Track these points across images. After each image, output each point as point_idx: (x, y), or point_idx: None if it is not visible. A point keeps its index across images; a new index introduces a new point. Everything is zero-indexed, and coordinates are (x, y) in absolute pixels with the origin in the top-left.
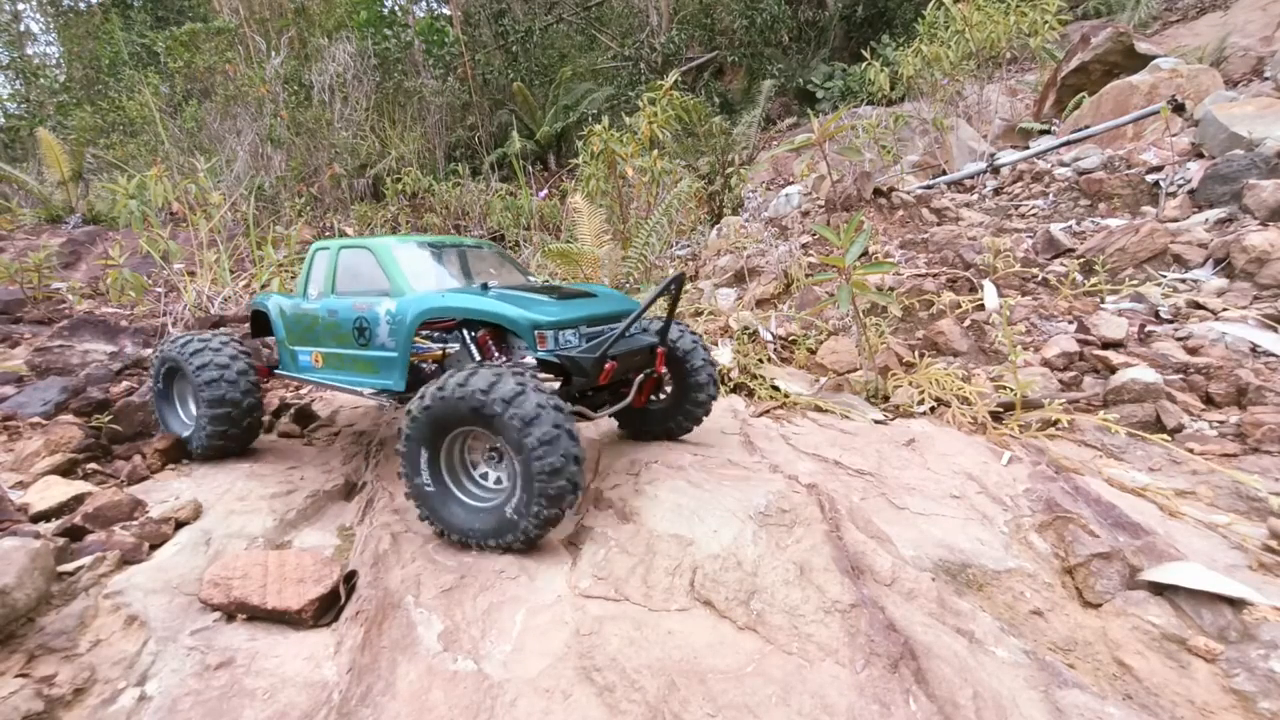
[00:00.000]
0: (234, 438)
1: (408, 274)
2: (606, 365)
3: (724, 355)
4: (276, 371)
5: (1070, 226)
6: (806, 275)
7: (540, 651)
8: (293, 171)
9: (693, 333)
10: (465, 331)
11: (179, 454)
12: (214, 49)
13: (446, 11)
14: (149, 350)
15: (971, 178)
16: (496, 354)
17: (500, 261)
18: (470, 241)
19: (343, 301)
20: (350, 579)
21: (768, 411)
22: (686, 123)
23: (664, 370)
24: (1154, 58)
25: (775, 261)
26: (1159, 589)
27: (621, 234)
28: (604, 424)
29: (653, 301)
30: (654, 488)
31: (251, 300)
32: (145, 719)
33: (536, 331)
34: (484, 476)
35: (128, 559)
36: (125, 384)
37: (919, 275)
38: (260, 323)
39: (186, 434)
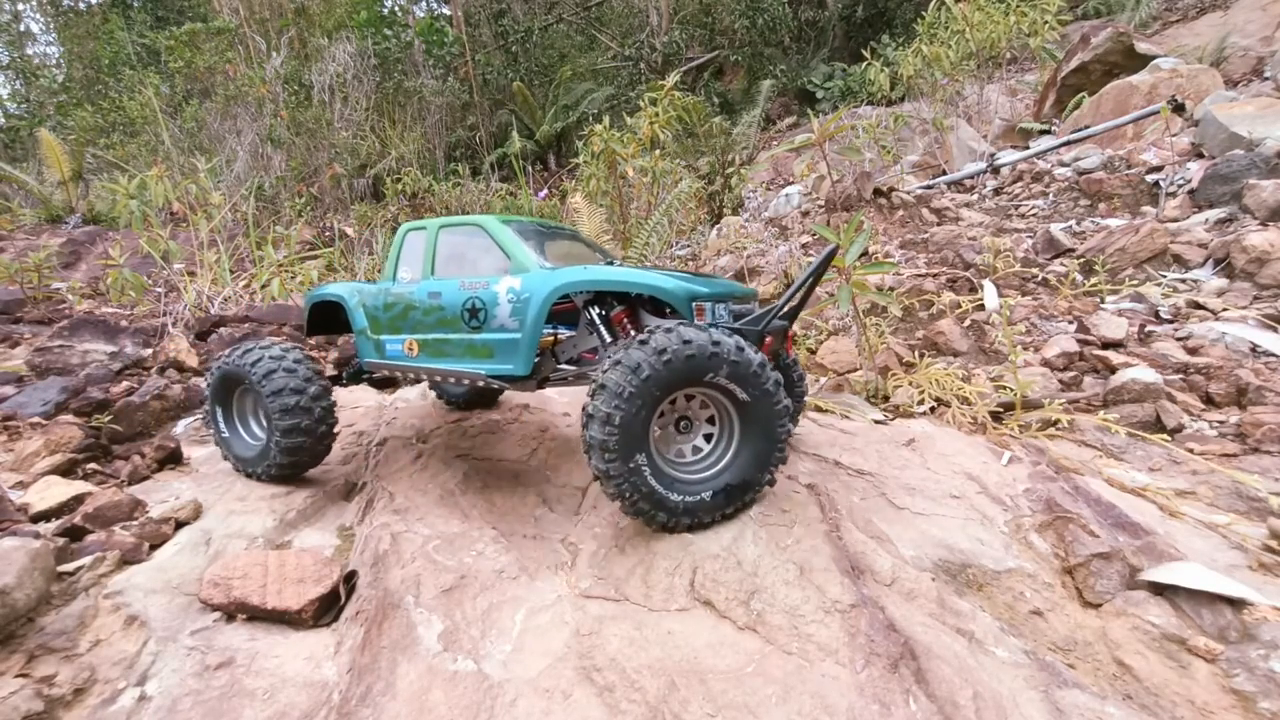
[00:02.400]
0: (309, 456)
1: (528, 250)
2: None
3: None
4: (365, 362)
5: (1070, 226)
6: None
7: (540, 651)
8: (293, 171)
9: None
10: (591, 310)
11: (178, 455)
12: (214, 49)
13: (446, 11)
14: (149, 350)
15: (971, 178)
16: (631, 333)
17: (589, 246)
18: (555, 224)
19: (446, 283)
20: (350, 579)
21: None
22: (687, 123)
23: (793, 354)
24: (1154, 58)
25: (775, 262)
26: (1159, 589)
27: (621, 234)
28: None
29: (813, 275)
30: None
31: (311, 293)
32: (145, 719)
33: (695, 304)
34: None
35: (128, 559)
36: (125, 384)
37: (919, 275)
38: (318, 318)
39: (250, 455)
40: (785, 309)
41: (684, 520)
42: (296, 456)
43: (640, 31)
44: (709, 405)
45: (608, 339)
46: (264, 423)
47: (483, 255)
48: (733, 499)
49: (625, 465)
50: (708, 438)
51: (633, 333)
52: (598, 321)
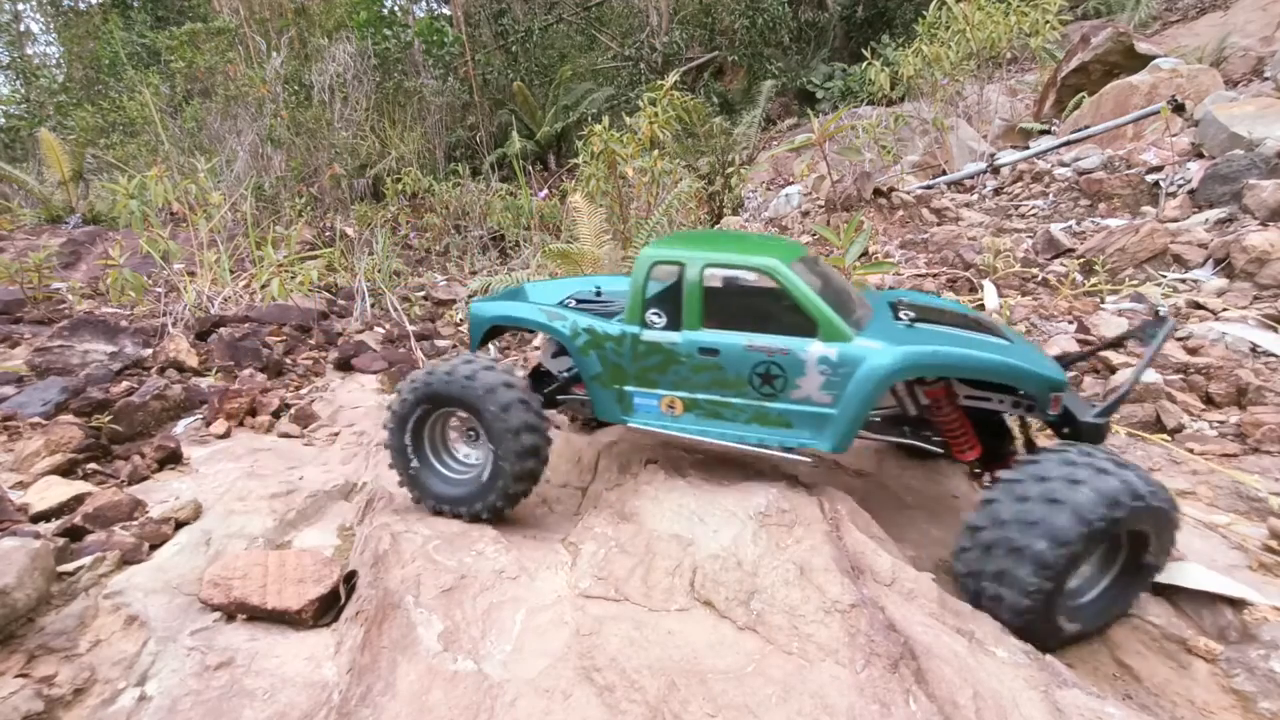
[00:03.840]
0: (531, 488)
1: (828, 308)
2: None
3: None
4: (624, 419)
5: (1070, 226)
6: None
7: (540, 652)
8: (293, 171)
9: None
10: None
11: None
12: (214, 49)
13: (446, 12)
14: (149, 350)
15: (971, 178)
16: (948, 411)
17: (839, 275)
18: (805, 250)
19: (725, 340)
20: (350, 579)
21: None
22: (687, 123)
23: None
24: (1154, 58)
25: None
26: (1159, 589)
27: (621, 234)
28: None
29: (1156, 352)
30: (654, 488)
31: (487, 310)
32: (145, 719)
33: (1053, 395)
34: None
35: (128, 559)
36: (125, 384)
37: (919, 275)
38: (494, 333)
39: (458, 493)
40: (1136, 380)
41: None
42: (519, 501)
43: (640, 31)
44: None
45: (911, 412)
46: (473, 455)
47: (769, 306)
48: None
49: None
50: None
51: (943, 409)
52: (912, 397)
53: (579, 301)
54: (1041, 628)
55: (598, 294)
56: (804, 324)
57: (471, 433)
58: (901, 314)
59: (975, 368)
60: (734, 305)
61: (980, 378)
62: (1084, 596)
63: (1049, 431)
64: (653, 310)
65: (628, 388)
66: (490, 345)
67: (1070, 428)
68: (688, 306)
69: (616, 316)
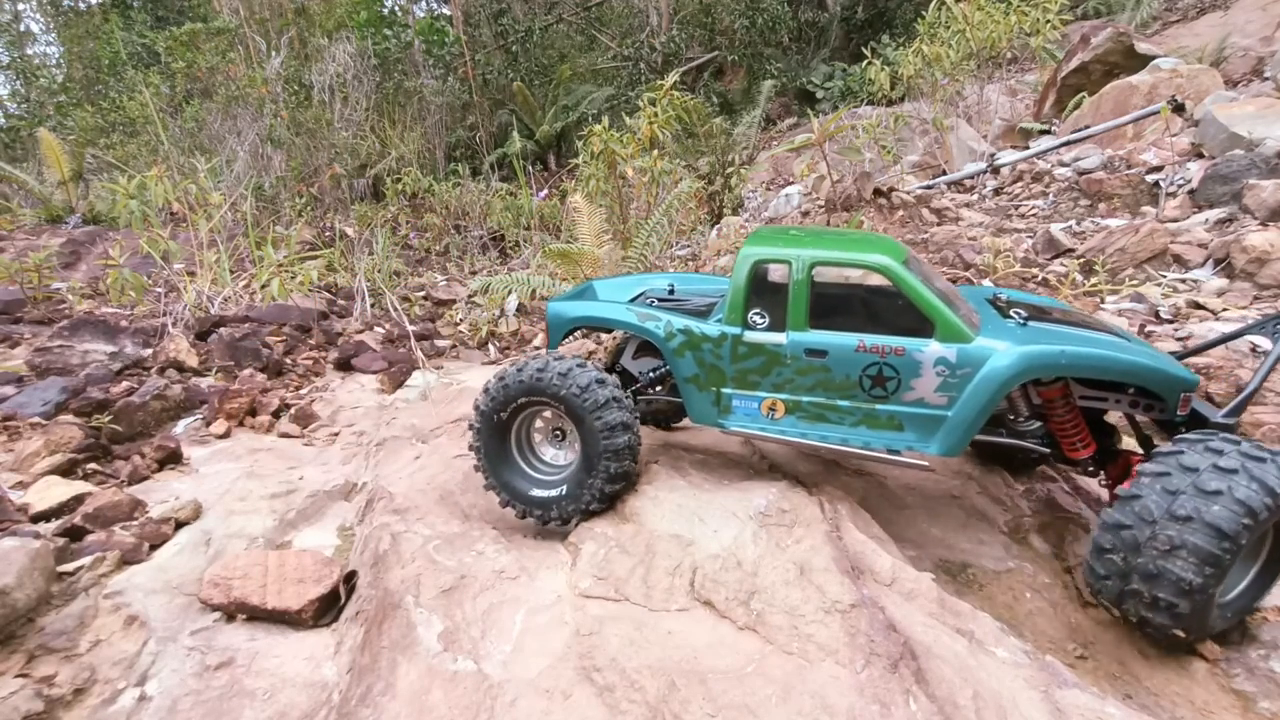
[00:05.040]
0: (624, 488)
1: (946, 308)
2: None
3: None
4: (720, 422)
5: (1070, 226)
6: None
7: (540, 652)
8: (293, 171)
9: None
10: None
11: (178, 455)
12: (214, 49)
13: (447, 11)
14: (149, 350)
15: (971, 178)
16: (1063, 411)
17: (937, 273)
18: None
19: (833, 341)
20: (350, 579)
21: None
22: (686, 123)
23: None
24: (1154, 58)
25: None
26: None
27: (621, 234)
28: None
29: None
30: (654, 488)
31: (567, 309)
32: (145, 719)
33: (1183, 395)
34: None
35: (128, 559)
36: (125, 384)
37: None
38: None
39: (546, 496)
40: (1263, 381)
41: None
42: (614, 502)
43: (640, 32)
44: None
45: (1024, 414)
46: (560, 457)
47: (881, 305)
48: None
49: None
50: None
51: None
52: (1025, 398)
53: (654, 299)
54: (1196, 627)
55: (671, 292)
56: (917, 324)
57: (557, 433)
58: (1012, 312)
59: (1106, 368)
60: (837, 305)
61: (1110, 378)
62: (1233, 590)
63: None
64: (755, 311)
65: (725, 390)
66: (489, 346)
67: (1199, 429)
68: (793, 307)
69: (713, 317)
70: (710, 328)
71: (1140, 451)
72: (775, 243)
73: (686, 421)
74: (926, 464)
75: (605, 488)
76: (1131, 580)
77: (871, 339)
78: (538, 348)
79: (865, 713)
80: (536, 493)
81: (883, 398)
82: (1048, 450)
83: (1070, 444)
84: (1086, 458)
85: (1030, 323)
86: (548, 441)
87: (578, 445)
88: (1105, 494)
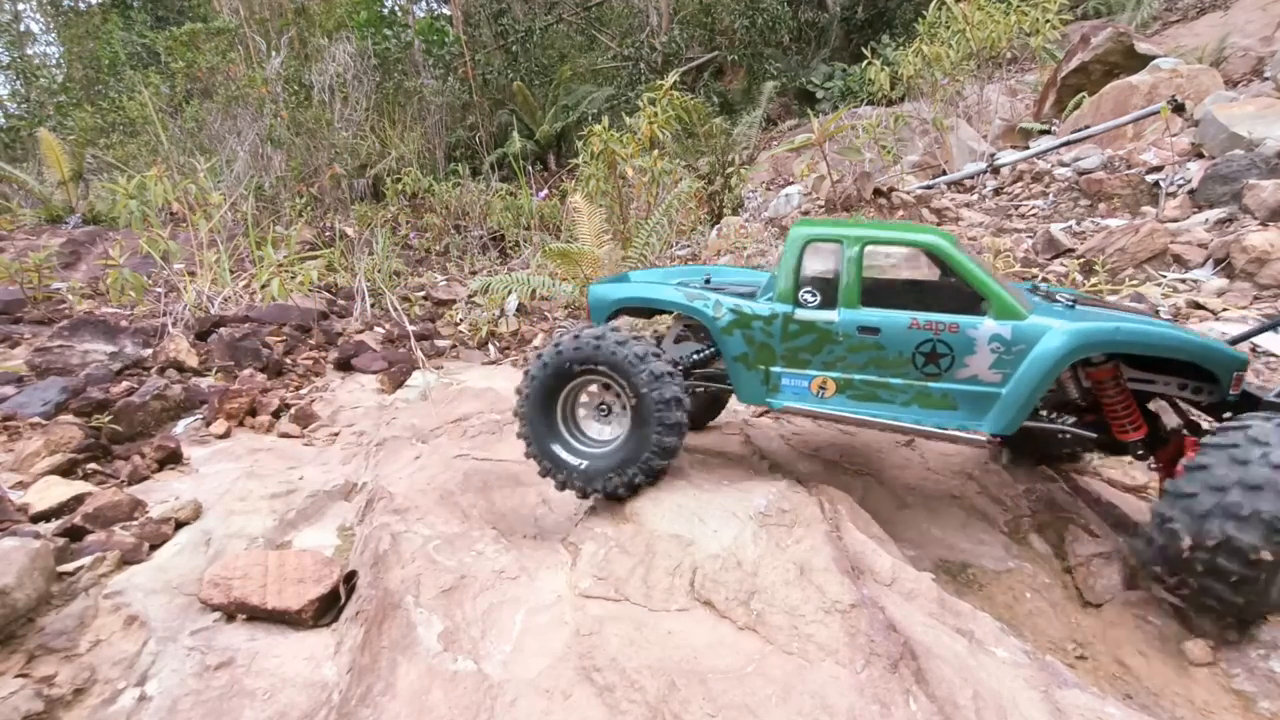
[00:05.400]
0: (669, 464)
1: (997, 285)
2: None
3: None
4: (768, 401)
5: (1070, 226)
6: None
7: (540, 652)
8: (293, 171)
9: None
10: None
11: (178, 455)
12: (214, 49)
13: (447, 11)
14: (149, 350)
15: (971, 178)
16: (1114, 392)
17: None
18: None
19: (886, 318)
20: (350, 579)
21: (768, 411)
22: (686, 123)
23: None
24: (1154, 58)
25: (775, 261)
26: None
27: (621, 234)
28: None
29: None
30: (654, 487)
31: (612, 291)
32: (145, 719)
33: (1236, 374)
34: None
35: (128, 559)
36: (125, 384)
37: None
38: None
39: (593, 467)
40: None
41: None
42: (659, 477)
43: (640, 32)
44: None
45: (1074, 396)
46: (605, 431)
47: (926, 291)
48: None
49: None
50: None
51: (1110, 394)
52: (1075, 379)
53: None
54: (1256, 600)
55: (707, 283)
56: (969, 302)
57: (603, 409)
58: (1058, 297)
59: (1162, 345)
60: (885, 284)
61: (1165, 355)
62: None
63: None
64: (806, 289)
65: (775, 368)
66: (489, 346)
67: (1250, 409)
68: (846, 285)
69: (762, 297)
70: (760, 306)
71: (1191, 435)
72: (825, 224)
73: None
74: (984, 439)
75: (655, 461)
76: (1196, 551)
77: (925, 316)
78: (538, 348)
79: (865, 713)
80: (580, 463)
81: (936, 375)
82: (1091, 435)
83: (1120, 426)
84: (1137, 440)
85: (1078, 305)
86: (592, 417)
87: (626, 419)
88: (1130, 483)
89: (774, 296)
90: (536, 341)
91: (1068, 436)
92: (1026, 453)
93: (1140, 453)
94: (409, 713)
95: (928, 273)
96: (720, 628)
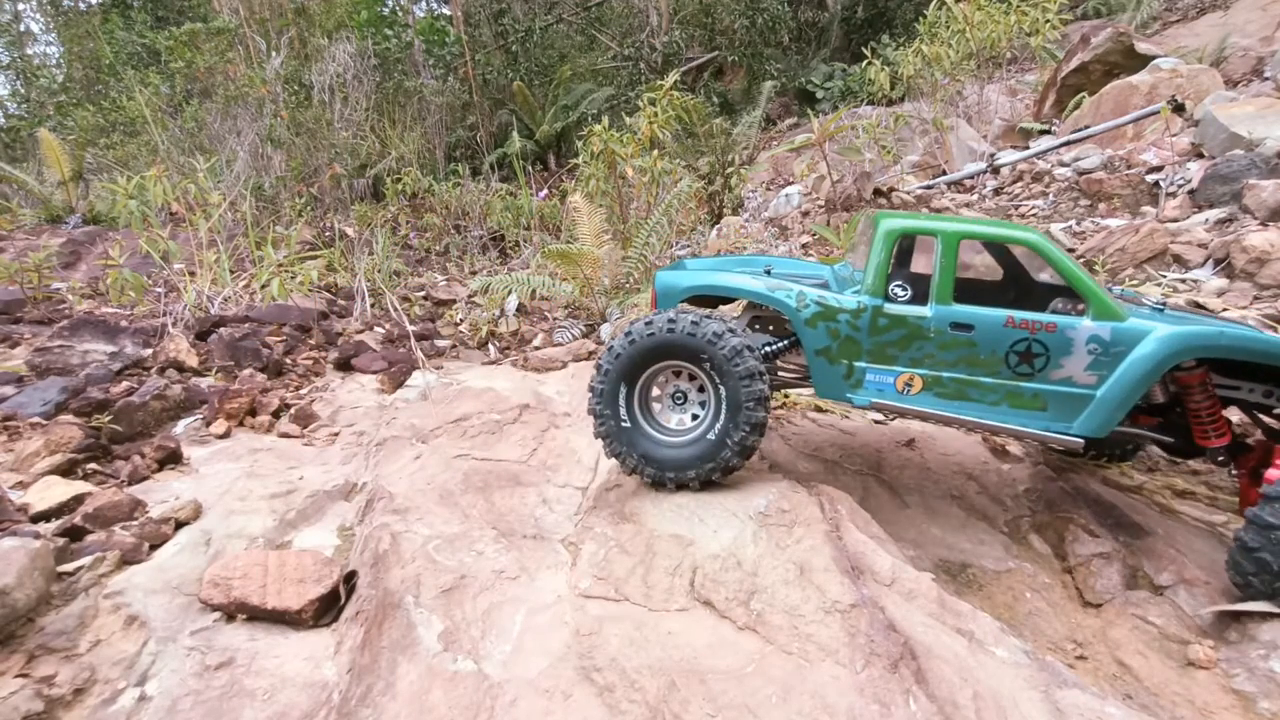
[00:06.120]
0: (760, 442)
1: (1097, 285)
2: None
3: None
4: (849, 397)
5: (1070, 226)
6: None
7: (540, 652)
8: (293, 171)
9: None
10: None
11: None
12: (214, 49)
13: (447, 11)
14: (149, 350)
15: (971, 178)
16: (1201, 397)
17: None
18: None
19: (980, 316)
20: (350, 579)
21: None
22: (686, 123)
23: None
24: (1154, 58)
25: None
26: (1159, 589)
27: (621, 234)
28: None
29: None
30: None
31: (685, 278)
32: (145, 719)
33: None
34: None
35: (128, 559)
36: (125, 384)
37: None
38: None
39: (675, 456)
40: None
41: None
42: (750, 457)
43: (640, 31)
44: None
45: (1159, 399)
46: (685, 419)
47: (1012, 283)
48: None
49: None
50: None
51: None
52: (1162, 383)
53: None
54: None
55: (768, 273)
56: (1044, 299)
57: (678, 396)
58: (1145, 301)
59: (1268, 351)
60: (988, 277)
61: (1271, 362)
62: None
63: None
64: (896, 283)
65: (859, 363)
66: (489, 346)
67: None
68: (939, 280)
69: (848, 290)
70: (847, 299)
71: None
72: (915, 218)
73: None
74: (1079, 442)
75: (747, 440)
76: None
77: (1022, 314)
78: (538, 348)
79: (865, 713)
80: (670, 454)
81: (1029, 375)
82: (1169, 439)
83: (1203, 432)
84: (1220, 447)
85: (1165, 309)
86: (668, 406)
87: (709, 403)
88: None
89: (861, 290)
90: (536, 341)
91: (1138, 439)
92: (1086, 449)
93: (1221, 459)
94: (409, 713)
95: (984, 269)
96: (720, 628)
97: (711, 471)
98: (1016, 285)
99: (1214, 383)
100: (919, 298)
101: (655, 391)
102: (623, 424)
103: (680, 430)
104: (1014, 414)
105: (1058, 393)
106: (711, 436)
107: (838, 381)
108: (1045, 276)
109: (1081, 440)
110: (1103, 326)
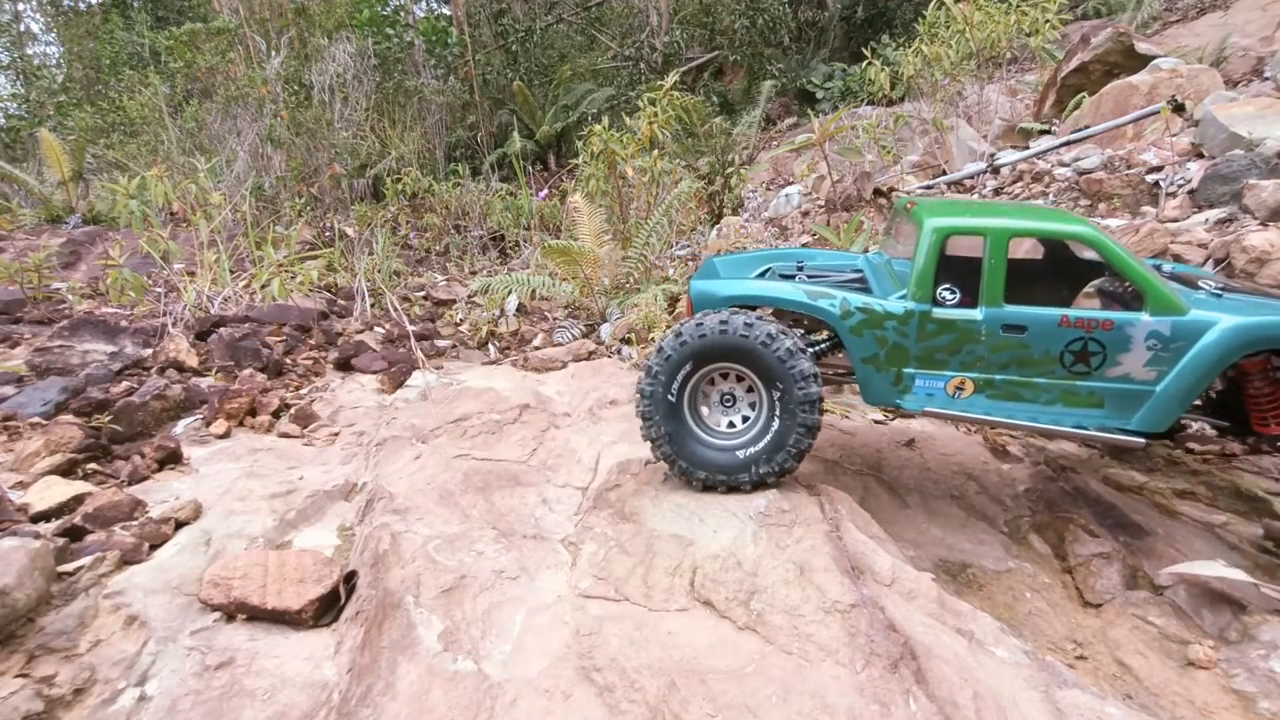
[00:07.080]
0: (813, 444)
1: (1155, 279)
2: None
3: None
4: (898, 402)
5: None
6: None
7: (540, 652)
8: (293, 172)
9: None
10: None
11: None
12: (214, 49)
13: (447, 11)
14: (149, 350)
15: (971, 178)
16: (1262, 383)
17: None
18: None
19: (1034, 316)
20: (350, 579)
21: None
22: (686, 123)
23: None
24: (1154, 58)
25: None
26: (1159, 589)
27: (621, 234)
28: (602, 428)
29: None
30: (654, 487)
31: (732, 288)
32: (145, 719)
33: None
34: None
35: (128, 559)
36: (125, 384)
37: None
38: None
39: (735, 460)
40: None
41: None
42: (799, 462)
43: (640, 31)
44: None
45: (1217, 385)
46: (736, 421)
47: (1072, 258)
48: None
49: None
50: None
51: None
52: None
53: (782, 277)
54: None
55: (799, 269)
56: (1121, 295)
57: (728, 399)
58: (1201, 284)
59: None
60: (1038, 273)
61: None
62: None
63: None
64: (944, 286)
65: (908, 369)
66: (489, 346)
67: None
68: (989, 281)
69: (893, 295)
70: (893, 304)
71: None
72: (962, 214)
73: None
74: (1140, 441)
75: (803, 441)
76: None
77: (1076, 313)
78: (538, 348)
79: (865, 713)
80: (722, 459)
81: (1084, 374)
82: (1224, 424)
83: (1262, 419)
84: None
85: (1225, 295)
86: (718, 409)
87: (760, 406)
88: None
89: (908, 294)
90: (536, 341)
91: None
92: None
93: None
94: (409, 713)
95: (1024, 249)
96: (720, 628)
97: (766, 475)
98: (1057, 263)
99: (1274, 366)
100: (969, 300)
101: (700, 397)
102: (672, 427)
103: (730, 433)
104: (1069, 413)
105: (1114, 390)
106: (765, 440)
107: (886, 389)
108: (1090, 254)
109: (1143, 440)
110: (1162, 321)
